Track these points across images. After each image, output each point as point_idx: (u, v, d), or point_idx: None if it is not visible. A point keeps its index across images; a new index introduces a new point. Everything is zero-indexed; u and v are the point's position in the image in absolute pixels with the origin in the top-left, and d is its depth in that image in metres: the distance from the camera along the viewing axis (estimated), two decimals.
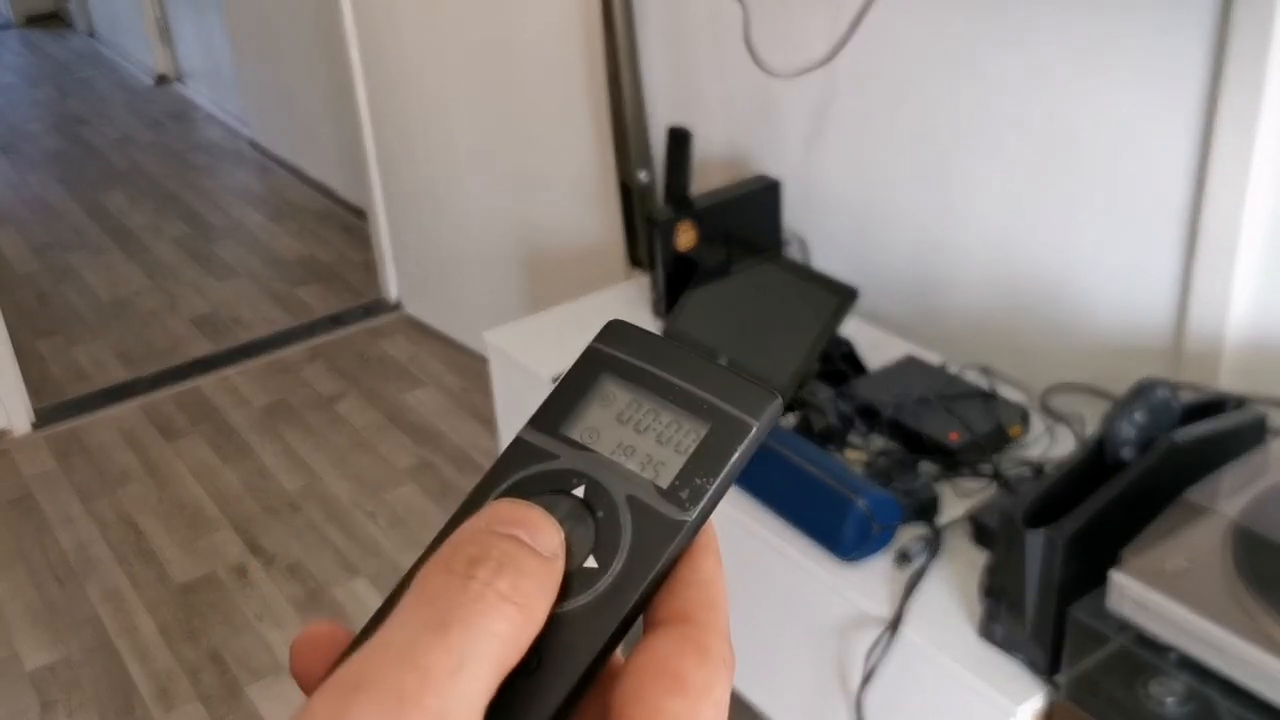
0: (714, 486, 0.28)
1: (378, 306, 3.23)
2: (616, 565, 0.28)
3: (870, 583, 1.24)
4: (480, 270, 2.75)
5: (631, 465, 0.29)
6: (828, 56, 1.62)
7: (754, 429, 0.29)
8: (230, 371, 2.98)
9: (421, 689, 0.23)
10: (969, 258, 1.63)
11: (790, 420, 1.44)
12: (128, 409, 2.84)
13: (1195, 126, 1.31)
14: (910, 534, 1.28)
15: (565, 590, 0.27)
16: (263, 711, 1.94)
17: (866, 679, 1.21)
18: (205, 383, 2.93)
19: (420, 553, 0.27)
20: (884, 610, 1.21)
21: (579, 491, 0.29)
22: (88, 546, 2.35)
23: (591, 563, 0.28)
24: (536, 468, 0.29)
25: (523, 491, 0.29)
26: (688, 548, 0.28)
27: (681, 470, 0.29)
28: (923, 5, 1.57)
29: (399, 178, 2.94)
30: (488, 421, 2.60)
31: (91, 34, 6.12)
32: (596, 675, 0.27)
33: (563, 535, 0.27)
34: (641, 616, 0.28)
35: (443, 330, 3.04)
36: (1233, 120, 1.26)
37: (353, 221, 3.72)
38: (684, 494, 0.28)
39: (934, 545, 1.26)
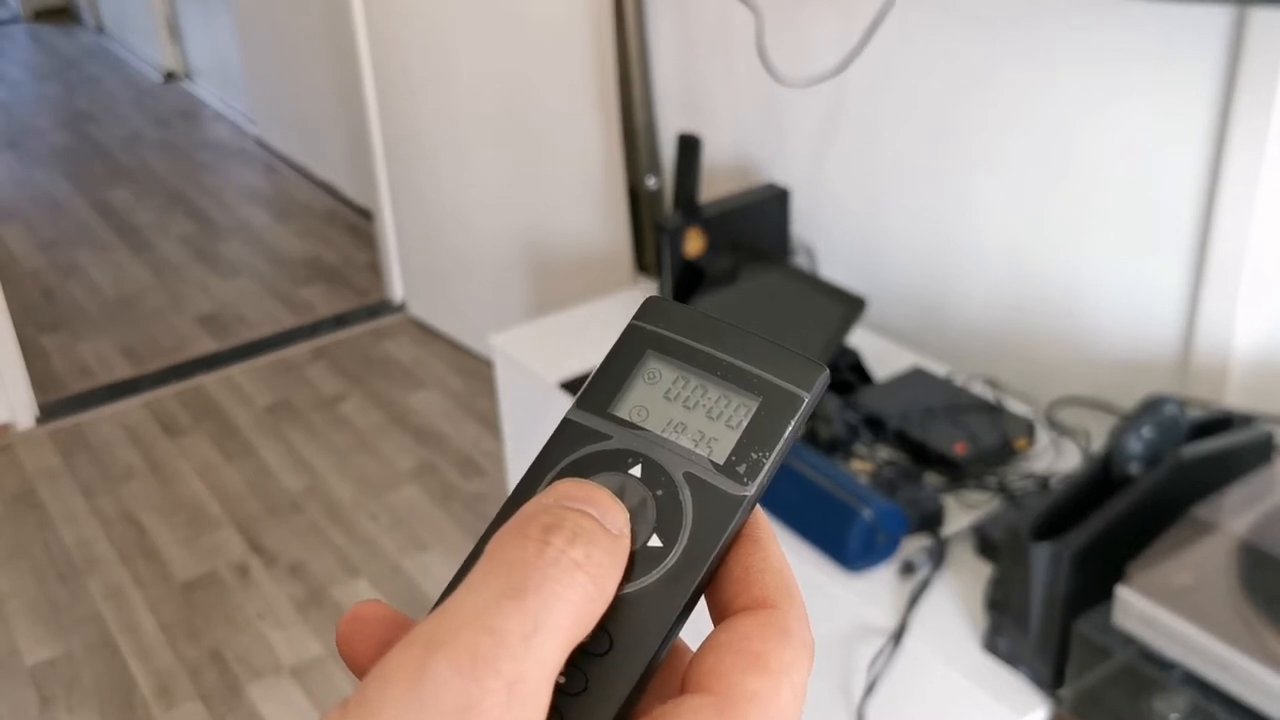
0: (771, 460, 0.29)
1: (382, 307, 3.23)
2: (681, 542, 0.28)
3: (874, 593, 1.24)
4: (486, 273, 2.75)
5: (685, 442, 0.29)
6: (839, 67, 1.62)
7: (805, 400, 0.29)
8: (234, 370, 2.98)
9: (496, 652, 0.23)
10: (977, 270, 1.64)
11: None
12: (131, 406, 2.84)
13: (1206, 143, 1.32)
14: (915, 545, 1.28)
15: (630, 571, 0.27)
16: (263, 710, 1.94)
17: (869, 689, 1.21)
18: (209, 381, 2.93)
19: (448, 583, 0.27)
20: (888, 621, 1.21)
21: (635, 471, 0.29)
22: (90, 543, 2.36)
23: (655, 541, 0.28)
24: (590, 448, 0.29)
25: (579, 472, 0.29)
26: (753, 536, 0.29)
27: (736, 445, 0.29)
28: (935, 19, 1.58)
29: (406, 178, 2.95)
30: (491, 424, 2.61)
31: (100, 30, 6.13)
32: (666, 653, 0.27)
33: (628, 514, 0.27)
34: (709, 608, 0.28)
35: (447, 332, 3.04)
36: (1244, 138, 1.26)
37: (358, 222, 3.72)
38: (741, 469, 0.29)
39: (938, 556, 1.26)
